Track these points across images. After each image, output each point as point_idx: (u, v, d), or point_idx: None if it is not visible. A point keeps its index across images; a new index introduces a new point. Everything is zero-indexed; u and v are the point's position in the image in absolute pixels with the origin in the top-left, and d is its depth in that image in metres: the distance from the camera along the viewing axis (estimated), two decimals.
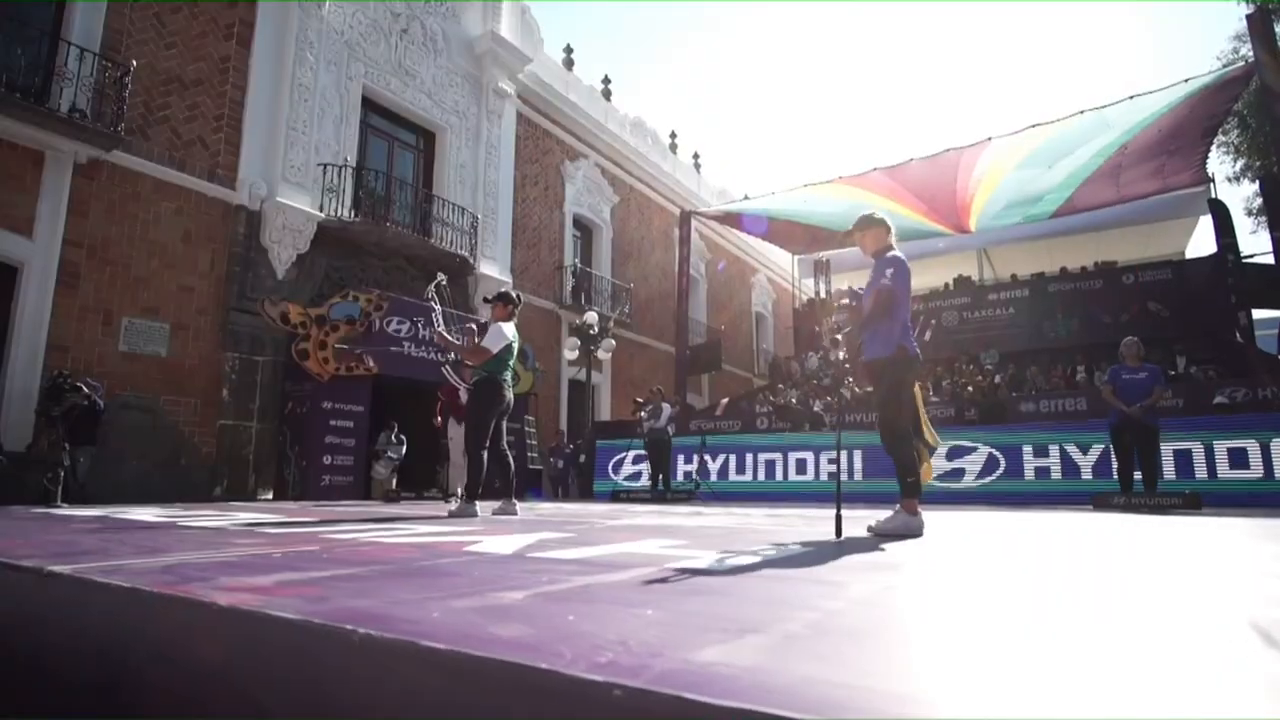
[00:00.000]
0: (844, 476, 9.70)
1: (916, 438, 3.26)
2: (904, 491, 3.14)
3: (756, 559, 2.08)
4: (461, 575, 1.67)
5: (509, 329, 4.87)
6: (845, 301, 3.31)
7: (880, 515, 3.40)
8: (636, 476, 11.32)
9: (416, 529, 3.30)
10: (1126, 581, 1.82)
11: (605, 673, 0.78)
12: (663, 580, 1.59)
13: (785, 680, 0.79)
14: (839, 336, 3.28)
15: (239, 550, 2.17)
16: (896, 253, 3.29)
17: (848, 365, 3.24)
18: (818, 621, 1.17)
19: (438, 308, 5.15)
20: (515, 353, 4.95)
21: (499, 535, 2.93)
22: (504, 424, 4.95)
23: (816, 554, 2.29)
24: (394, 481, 10.02)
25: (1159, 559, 2.42)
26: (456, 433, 7.98)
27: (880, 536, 3.00)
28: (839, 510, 2.91)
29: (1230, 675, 0.90)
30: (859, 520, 3.60)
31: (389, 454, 9.99)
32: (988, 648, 1.04)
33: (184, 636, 1.23)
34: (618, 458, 11.79)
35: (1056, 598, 1.54)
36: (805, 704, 0.71)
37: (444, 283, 5.21)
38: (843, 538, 2.86)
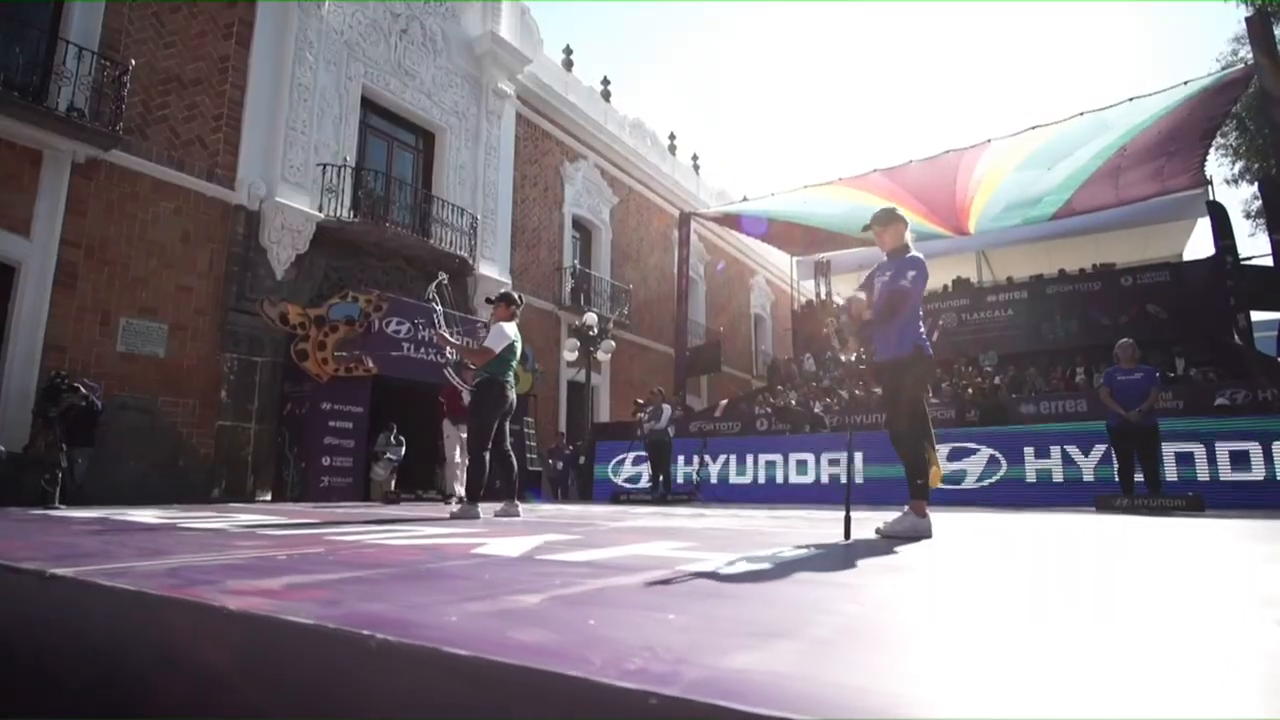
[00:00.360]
0: (845, 479, 9.66)
1: (924, 439, 3.24)
2: (912, 493, 3.11)
3: (769, 562, 2.05)
4: (472, 578, 1.64)
5: (511, 329, 4.83)
6: (851, 298, 3.26)
7: (887, 517, 3.38)
8: (636, 478, 11.29)
9: (420, 531, 3.27)
10: (1137, 583, 1.80)
11: (637, 680, 0.75)
12: (678, 583, 1.56)
13: (822, 688, 0.76)
14: (852, 338, 3.24)
15: (243, 552, 2.13)
16: (917, 253, 3.25)
17: (862, 366, 3.21)
18: (844, 626, 1.15)
19: (439, 308, 5.12)
20: (518, 353, 4.92)
21: (504, 537, 2.90)
22: (507, 425, 4.92)
23: (828, 557, 2.26)
24: (393, 483, 9.98)
25: (1165, 561, 2.40)
26: (453, 433, 7.95)
27: (889, 538, 2.97)
28: (848, 512, 2.88)
29: (1231, 676, 0.89)
30: (863, 522, 3.57)
31: (388, 455, 9.95)
32: (1018, 651, 1.01)
33: (192, 641, 1.19)
34: (618, 459, 11.76)
35: (1073, 600, 1.51)
36: (847, 712, 0.68)
37: (445, 282, 5.18)
38: (851, 540, 2.83)
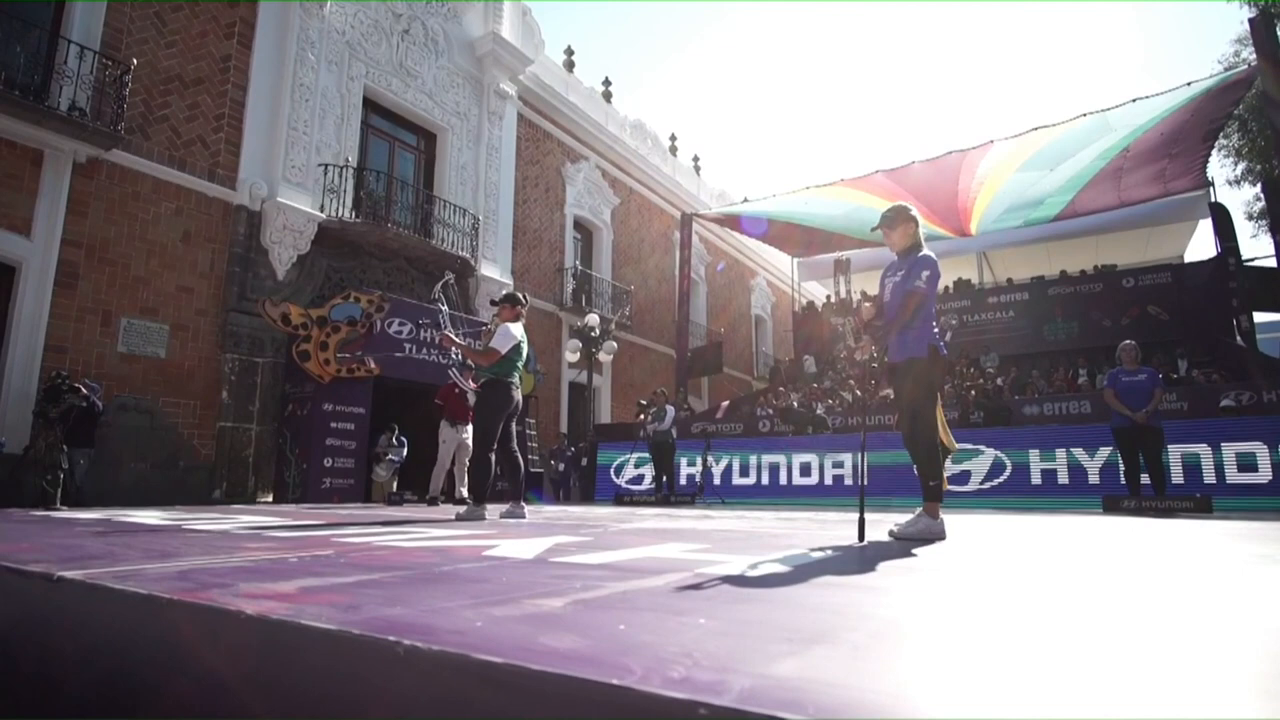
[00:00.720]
0: (849, 480, 9.63)
1: (938, 440, 3.20)
2: (926, 495, 3.08)
3: (788, 565, 2.02)
4: (489, 581, 1.61)
5: (517, 329, 4.80)
6: (867, 305, 3.22)
7: (897, 518, 3.35)
8: (638, 480, 11.24)
9: (428, 532, 3.23)
10: (1150, 586, 1.77)
11: (683, 689, 0.72)
12: (701, 587, 1.53)
13: (876, 697, 0.74)
14: (868, 338, 3.20)
15: (252, 555, 2.10)
16: (929, 252, 3.21)
17: (875, 365, 3.17)
18: (881, 631, 1.11)
19: (444, 309, 5.08)
20: (524, 354, 4.88)
21: (514, 539, 2.86)
22: (513, 426, 4.88)
23: (846, 559, 2.23)
24: (395, 484, 9.94)
25: (1176, 564, 2.37)
26: (450, 435, 7.90)
27: (903, 540, 2.94)
28: (862, 514, 2.85)
29: (1231, 677, 0.89)
30: (872, 524, 3.53)
31: (390, 456, 9.90)
32: (1050, 653, 0.98)
33: (207, 646, 1.16)
34: (620, 460, 11.71)
35: (1093, 602, 1.48)
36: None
37: (451, 281, 5.14)
38: (865, 542, 2.80)
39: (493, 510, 4.87)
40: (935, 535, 3.00)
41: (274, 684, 1.04)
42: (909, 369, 3.11)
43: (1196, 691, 0.81)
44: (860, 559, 2.22)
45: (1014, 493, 8.51)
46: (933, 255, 3.20)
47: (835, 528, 3.88)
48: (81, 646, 1.40)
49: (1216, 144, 15.00)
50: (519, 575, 1.71)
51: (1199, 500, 6.56)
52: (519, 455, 4.96)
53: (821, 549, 2.52)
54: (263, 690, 1.05)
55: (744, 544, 2.72)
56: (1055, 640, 1.09)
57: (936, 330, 3.22)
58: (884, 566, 2.01)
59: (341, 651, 0.96)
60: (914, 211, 3.33)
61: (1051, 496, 8.27)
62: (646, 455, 10.31)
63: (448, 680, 0.85)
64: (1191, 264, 16.07)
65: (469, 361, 5.26)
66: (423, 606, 1.21)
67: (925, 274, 3.09)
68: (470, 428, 7.88)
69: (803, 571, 1.86)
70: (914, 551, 2.47)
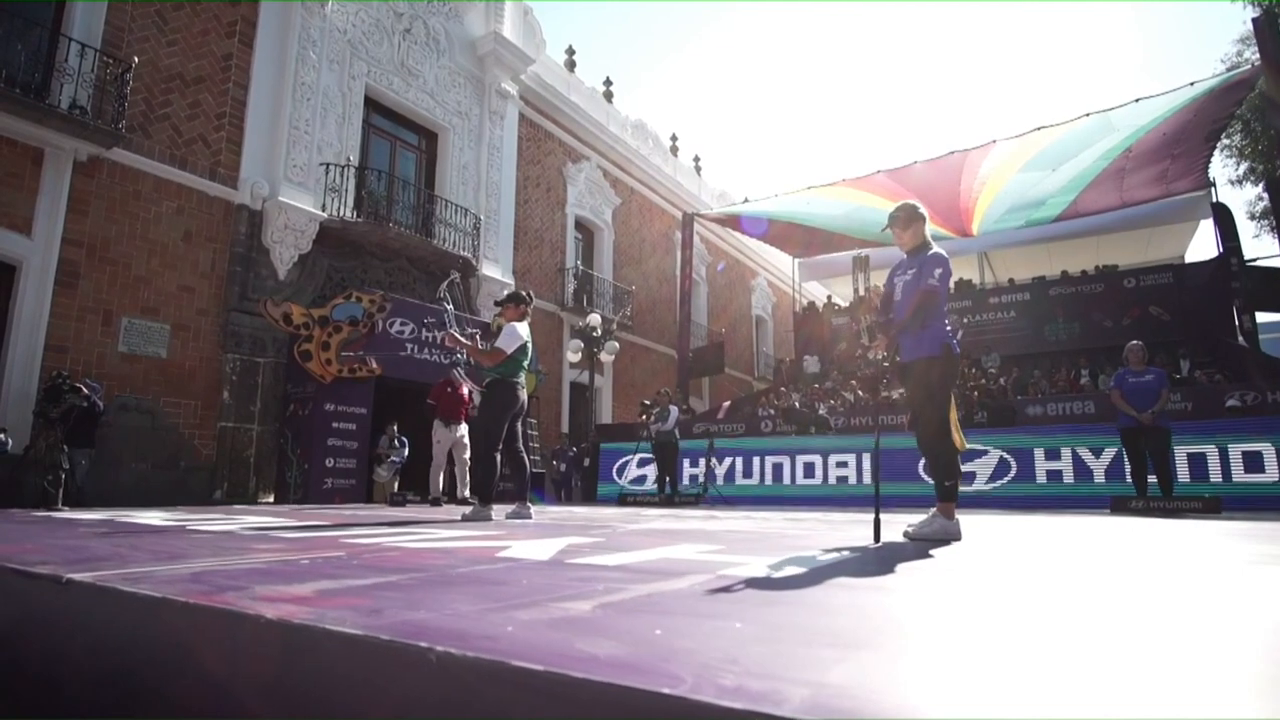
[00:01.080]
0: (852, 480, 9.58)
1: (951, 439, 3.16)
2: (941, 495, 3.04)
3: (807, 566, 1.98)
4: (509, 583, 1.57)
5: (523, 329, 4.76)
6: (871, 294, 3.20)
7: (910, 519, 3.32)
8: (641, 480, 11.20)
9: (436, 533, 3.20)
10: (1166, 586, 1.73)
11: (739, 699, 0.68)
12: (727, 589, 1.49)
13: (936, 704, 0.71)
14: (882, 335, 3.17)
15: (262, 556, 2.06)
16: (939, 250, 3.19)
17: (886, 364, 3.14)
18: (919, 634, 1.08)
19: (450, 308, 5.04)
20: (530, 353, 4.84)
21: (525, 540, 2.83)
22: (519, 425, 4.84)
23: (865, 561, 2.19)
24: (396, 485, 9.89)
25: (1190, 565, 2.34)
26: (444, 435, 7.88)
27: (919, 541, 2.90)
28: (877, 515, 2.82)
29: (1238, 678, 0.88)
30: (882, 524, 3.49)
31: (392, 458, 9.85)
32: (1083, 655, 0.95)
33: (226, 651, 1.12)
34: (622, 461, 11.67)
35: (1113, 601, 1.45)
36: None
37: (457, 280, 5.10)
38: (881, 542, 2.76)
39: (497, 511, 4.84)
40: (951, 536, 2.97)
41: (296, 690, 1.01)
42: (923, 367, 3.08)
43: (1197, 691, 0.80)
44: (879, 560, 2.19)
45: (1020, 493, 8.48)
46: (943, 253, 3.17)
47: (845, 528, 3.85)
48: (92, 650, 1.37)
49: (1219, 144, 14.97)
50: (538, 577, 1.68)
51: (1207, 500, 6.53)
52: (524, 455, 4.93)
53: (838, 550, 2.48)
54: (283, 696, 1.01)
55: (757, 545, 2.69)
56: (1073, 642, 1.07)
57: (949, 328, 3.18)
58: (905, 568, 1.98)
59: (368, 657, 0.93)
60: (923, 210, 3.30)
61: (1057, 497, 8.25)
62: (649, 455, 10.28)
63: (483, 689, 0.82)
64: (1193, 264, 16.03)
65: (472, 360, 5.23)
66: (446, 610, 1.18)
67: (938, 271, 3.06)
68: (464, 426, 7.87)
69: (825, 573, 1.83)
70: (931, 553, 2.43)
